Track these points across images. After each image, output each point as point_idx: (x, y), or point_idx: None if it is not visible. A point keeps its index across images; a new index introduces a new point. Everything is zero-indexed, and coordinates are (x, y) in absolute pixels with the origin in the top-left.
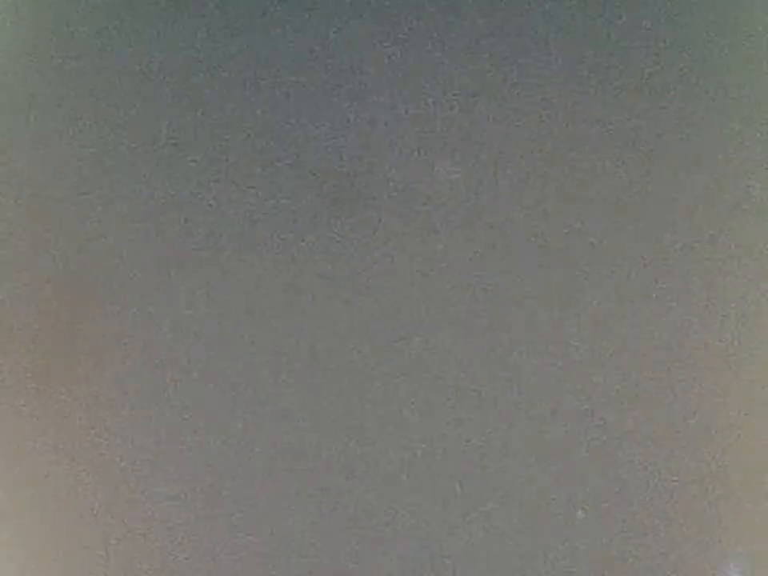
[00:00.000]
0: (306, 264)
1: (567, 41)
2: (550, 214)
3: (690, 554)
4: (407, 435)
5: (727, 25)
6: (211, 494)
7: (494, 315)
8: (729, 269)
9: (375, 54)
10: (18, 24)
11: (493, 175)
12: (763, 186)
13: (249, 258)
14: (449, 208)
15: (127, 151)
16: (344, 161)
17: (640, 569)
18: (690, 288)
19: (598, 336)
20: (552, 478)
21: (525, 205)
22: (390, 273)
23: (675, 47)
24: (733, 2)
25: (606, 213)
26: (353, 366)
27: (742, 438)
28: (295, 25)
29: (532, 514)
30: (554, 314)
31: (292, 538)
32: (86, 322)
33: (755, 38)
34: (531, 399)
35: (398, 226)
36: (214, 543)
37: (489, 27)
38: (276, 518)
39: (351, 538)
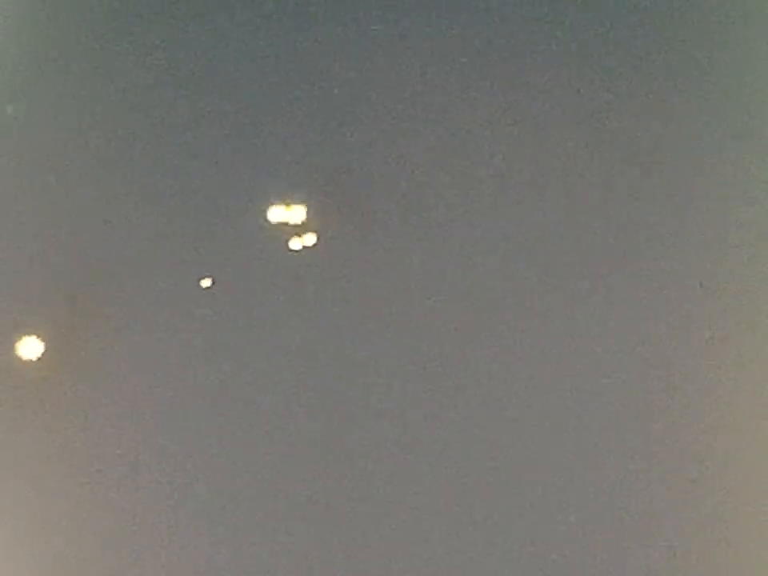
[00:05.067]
0: (307, 262)
1: (568, 43)
2: (551, 214)
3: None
4: (405, 436)
5: (729, 26)
6: (211, 493)
7: (494, 315)
8: (730, 270)
9: (377, 56)
10: (17, 24)
11: (493, 176)
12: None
13: (249, 257)
14: (448, 208)
15: (126, 151)
16: (344, 161)
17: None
18: (691, 290)
19: (599, 338)
20: (551, 483)
21: (525, 205)
22: (389, 270)
23: (677, 48)
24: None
25: (606, 214)
26: (352, 363)
27: (742, 440)
28: (296, 26)
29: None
30: (554, 316)
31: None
32: (88, 324)
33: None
34: (531, 401)
35: (397, 226)
36: (212, 541)
37: (491, 30)
38: (274, 517)
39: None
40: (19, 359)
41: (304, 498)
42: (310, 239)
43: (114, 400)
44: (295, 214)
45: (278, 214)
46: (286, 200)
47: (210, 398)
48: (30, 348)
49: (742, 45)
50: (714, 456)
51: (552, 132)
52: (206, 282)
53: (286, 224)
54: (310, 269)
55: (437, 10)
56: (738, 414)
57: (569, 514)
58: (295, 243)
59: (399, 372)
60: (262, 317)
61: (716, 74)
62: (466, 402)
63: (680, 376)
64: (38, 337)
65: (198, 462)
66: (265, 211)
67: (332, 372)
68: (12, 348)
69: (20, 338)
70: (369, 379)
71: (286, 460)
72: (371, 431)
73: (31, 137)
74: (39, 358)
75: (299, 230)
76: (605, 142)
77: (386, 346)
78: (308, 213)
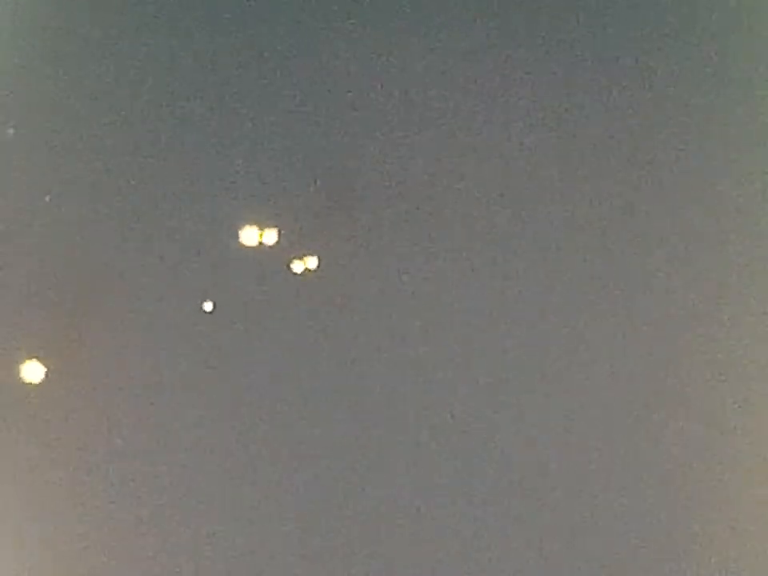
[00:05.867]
0: (306, 261)
1: (566, 41)
2: (551, 214)
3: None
4: (406, 433)
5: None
6: (211, 493)
7: (495, 315)
8: (731, 273)
9: (375, 56)
10: (18, 24)
11: (492, 176)
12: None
13: (249, 256)
14: (447, 208)
15: (127, 151)
16: (343, 160)
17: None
18: (695, 292)
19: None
20: (552, 482)
21: (524, 205)
22: (387, 269)
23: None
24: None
25: (608, 214)
26: (351, 364)
27: (742, 439)
28: (296, 26)
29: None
30: (555, 316)
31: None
32: (89, 325)
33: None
34: (531, 399)
35: (395, 225)
36: (211, 541)
37: (489, 30)
38: (274, 514)
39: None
40: (19, 378)
41: (301, 522)
42: (311, 262)
43: (111, 419)
44: (296, 235)
45: (275, 235)
46: (284, 222)
47: (211, 421)
48: (30, 368)
49: (742, 44)
50: (714, 458)
51: (553, 138)
52: (208, 306)
53: (286, 245)
54: (312, 291)
55: (435, 19)
56: (739, 415)
57: (572, 520)
58: (296, 265)
59: (401, 395)
60: (262, 339)
61: (717, 73)
62: (469, 421)
63: (681, 380)
64: (37, 357)
65: (197, 483)
66: (264, 232)
67: (331, 393)
68: (11, 367)
69: (20, 356)
70: (369, 401)
71: (284, 481)
72: (372, 453)
73: (32, 156)
74: (38, 379)
75: (300, 252)
76: (604, 144)
77: (386, 368)
78: (309, 235)
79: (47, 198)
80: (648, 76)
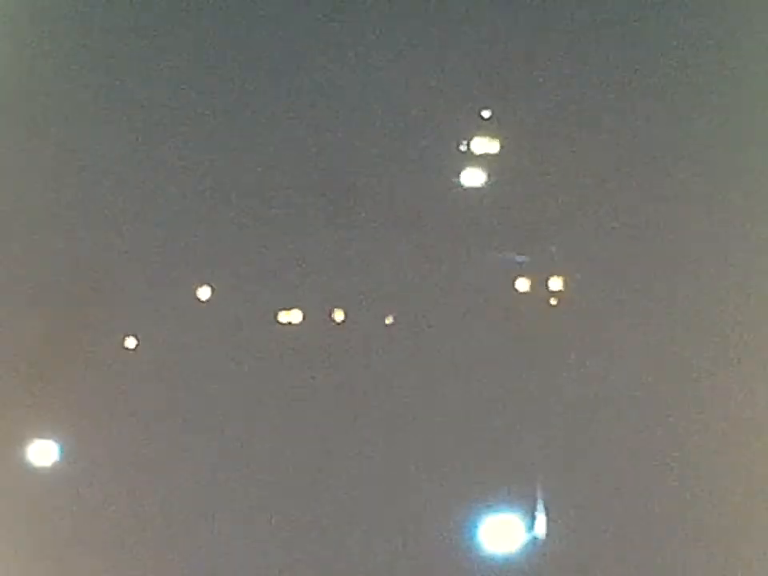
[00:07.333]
0: (307, 264)
1: (568, 43)
2: (551, 215)
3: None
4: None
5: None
6: (210, 497)
7: (494, 314)
8: (732, 271)
9: (377, 60)
10: (19, 25)
11: (493, 178)
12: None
13: (251, 257)
14: (447, 211)
15: (129, 155)
16: (344, 164)
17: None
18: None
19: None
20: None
21: (524, 207)
22: (387, 270)
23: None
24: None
25: (609, 214)
26: (352, 362)
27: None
28: (298, 31)
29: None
30: (556, 314)
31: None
32: (86, 326)
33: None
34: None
35: (394, 228)
36: (209, 543)
37: (490, 33)
38: (272, 514)
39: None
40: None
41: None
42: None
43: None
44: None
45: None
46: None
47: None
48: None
49: (741, 45)
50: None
51: (553, 139)
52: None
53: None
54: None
55: (435, 21)
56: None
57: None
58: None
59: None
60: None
61: (717, 74)
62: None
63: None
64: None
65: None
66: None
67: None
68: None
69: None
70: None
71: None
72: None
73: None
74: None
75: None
76: (604, 146)
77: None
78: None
79: None
80: (649, 77)
